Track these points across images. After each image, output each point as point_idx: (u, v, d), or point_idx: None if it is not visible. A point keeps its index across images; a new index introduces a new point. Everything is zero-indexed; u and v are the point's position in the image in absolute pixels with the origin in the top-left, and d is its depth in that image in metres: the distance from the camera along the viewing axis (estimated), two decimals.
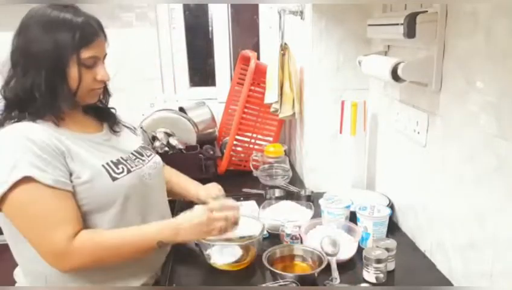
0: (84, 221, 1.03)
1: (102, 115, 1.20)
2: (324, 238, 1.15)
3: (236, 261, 1.17)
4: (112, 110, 1.24)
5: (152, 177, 1.18)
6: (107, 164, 1.06)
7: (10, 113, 1.03)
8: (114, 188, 1.05)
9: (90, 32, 1.03)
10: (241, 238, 1.21)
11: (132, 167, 1.12)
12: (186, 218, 1.10)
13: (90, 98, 1.10)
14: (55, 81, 1.01)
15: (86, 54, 1.02)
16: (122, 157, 1.12)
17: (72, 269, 1.01)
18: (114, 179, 1.05)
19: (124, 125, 1.28)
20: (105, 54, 1.09)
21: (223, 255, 1.17)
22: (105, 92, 1.19)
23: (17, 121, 1.01)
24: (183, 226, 1.08)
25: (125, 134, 1.24)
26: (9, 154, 0.95)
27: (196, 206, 1.14)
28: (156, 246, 1.05)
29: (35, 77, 1.00)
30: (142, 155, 1.20)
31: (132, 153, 1.17)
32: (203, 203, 1.24)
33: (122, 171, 1.08)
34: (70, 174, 1.00)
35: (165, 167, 1.38)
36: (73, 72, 1.02)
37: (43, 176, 0.95)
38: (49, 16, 1.01)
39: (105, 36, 1.08)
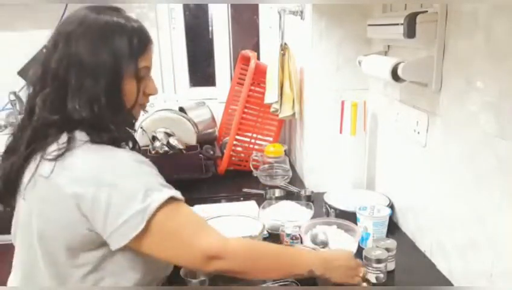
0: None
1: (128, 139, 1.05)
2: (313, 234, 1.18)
3: None
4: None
5: None
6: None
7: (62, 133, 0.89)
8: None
9: (146, 39, 0.94)
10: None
11: None
12: (333, 256, 1.05)
13: (137, 114, 1.01)
14: (114, 96, 0.90)
15: (142, 63, 0.93)
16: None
17: (221, 269, 0.93)
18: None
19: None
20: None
21: None
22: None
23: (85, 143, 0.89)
24: (332, 264, 1.01)
25: None
26: (131, 180, 0.86)
27: (338, 249, 1.14)
28: (306, 274, 0.98)
29: (94, 91, 0.88)
30: None
31: None
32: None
33: None
34: None
35: None
36: (129, 85, 0.92)
37: (172, 192, 0.89)
38: (100, 26, 0.90)
39: (152, 42, 0.98)
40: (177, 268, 1.08)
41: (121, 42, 0.90)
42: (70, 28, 0.90)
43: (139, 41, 0.92)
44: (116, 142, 0.93)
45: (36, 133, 0.91)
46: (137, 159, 0.90)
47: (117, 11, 0.95)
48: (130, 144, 1.00)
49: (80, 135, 0.89)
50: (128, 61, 0.90)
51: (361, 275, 1.04)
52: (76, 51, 0.88)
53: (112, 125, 0.92)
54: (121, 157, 0.89)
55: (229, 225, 1.26)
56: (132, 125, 1.05)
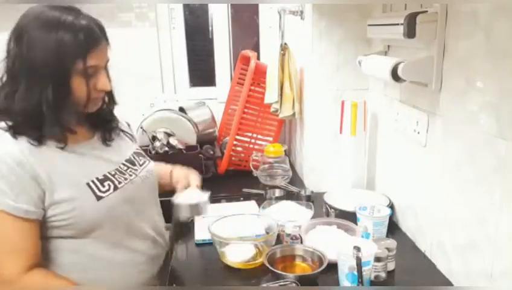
0: (69, 247, 0.98)
1: (96, 122, 1.10)
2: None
3: (249, 260, 1.17)
4: (113, 119, 1.15)
5: (144, 187, 1.12)
6: (92, 181, 0.99)
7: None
8: (99, 208, 0.98)
9: (93, 40, 0.95)
10: (256, 236, 1.23)
11: (120, 183, 1.05)
12: None
13: (90, 107, 1.02)
14: (60, 93, 0.93)
15: (89, 62, 0.94)
16: (109, 172, 1.04)
17: None
18: (99, 198, 0.99)
19: (123, 132, 1.19)
20: (108, 60, 1.02)
21: (238, 253, 1.18)
22: (111, 101, 1.11)
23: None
24: None
25: (119, 141, 1.15)
26: None
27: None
28: None
29: (39, 88, 0.92)
30: (134, 164, 1.13)
31: (123, 163, 1.10)
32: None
33: (108, 189, 1.01)
34: (47, 197, 0.94)
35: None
36: (77, 83, 0.94)
37: (5, 201, 0.89)
38: (48, 26, 0.92)
39: (107, 40, 1.00)
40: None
41: (65, 39, 0.91)
42: (22, 24, 0.94)
43: (86, 39, 0.93)
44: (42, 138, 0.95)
45: None
46: (2, 158, 0.90)
47: (73, 10, 0.96)
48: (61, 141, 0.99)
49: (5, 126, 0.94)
50: (74, 59, 0.92)
51: None
52: (26, 47, 0.91)
53: (56, 119, 0.94)
54: None
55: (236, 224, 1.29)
56: (80, 118, 1.06)
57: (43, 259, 0.97)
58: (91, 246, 1.01)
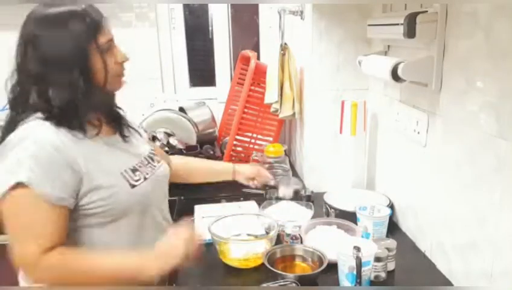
0: (100, 233, 1.01)
1: (114, 117, 1.14)
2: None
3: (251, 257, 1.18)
4: (121, 112, 1.19)
5: (162, 181, 1.17)
6: (125, 171, 1.04)
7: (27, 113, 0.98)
8: (133, 195, 1.03)
9: (96, 16, 1.00)
10: (260, 235, 1.24)
11: (147, 174, 1.10)
12: (166, 248, 1.01)
13: (117, 85, 1.07)
14: (85, 77, 0.98)
15: (101, 39, 0.99)
16: (137, 164, 1.09)
17: (41, 282, 0.98)
18: (133, 186, 1.04)
19: (130, 126, 1.21)
20: (113, 36, 1.06)
21: (242, 251, 1.18)
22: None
23: (34, 120, 0.97)
24: (170, 256, 0.99)
25: (132, 138, 1.18)
26: (13, 156, 0.92)
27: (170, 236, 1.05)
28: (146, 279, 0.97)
29: (72, 80, 0.96)
30: (153, 160, 1.18)
31: (145, 158, 1.15)
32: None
33: (139, 179, 1.06)
34: (84, 183, 0.97)
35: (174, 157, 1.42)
36: (96, 62, 0.99)
37: (39, 187, 0.91)
38: (55, 19, 0.97)
39: (104, 16, 1.04)
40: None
41: (76, 28, 0.96)
42: (29, 30, 0.98)
43: (91, 20, 0.98)
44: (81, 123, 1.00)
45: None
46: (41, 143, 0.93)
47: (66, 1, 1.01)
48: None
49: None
50: (88, 42, 0.97)
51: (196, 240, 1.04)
52: (43, 50, 0.96)
53: (88, 108, 0.99)
54: (28, 131, 0.95)
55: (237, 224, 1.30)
56: (112, 102, 1.12)
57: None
58: (114, 234, 1.04)
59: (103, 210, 1.00)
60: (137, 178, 1.06)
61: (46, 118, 0.97)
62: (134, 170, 1.07)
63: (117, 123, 1.14)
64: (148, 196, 1.08)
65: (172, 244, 1.01)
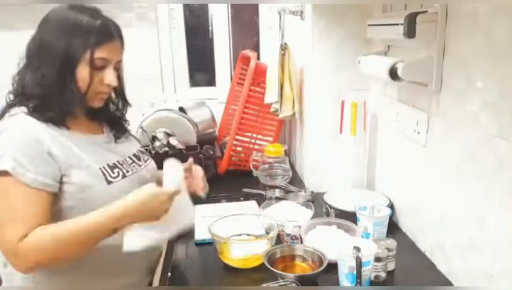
0: None
1: (107, 120, 1.19)
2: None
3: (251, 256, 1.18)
4: (124, 121, 1.23)
5: (146, 181, 1.13)
6: (104, 167, 1.06)
7: (14, 106, 1.03)
8: (108, 191, 1.03)
9: (105, 34, 1.03)
10: (260, 235, 1.24)
11: (128, 172, 1.11)
12: (140, 201, 0.99)
13: (95, 101, 1.09)
14: (65, 78, 1.01)
15: (97, 54, 1.01)
16: (118, 161, 1.11)
17: (30, 269, 0.97)
18: (109, 182, 1.05)
19: (132, 136, 1.27)
20: (120, 60, 1.09)
21: (242, 251, 1.18)
22: (124, 103, 1.20)
23: (17, 114, 1.00)
24: (143, 209, 0.98)
25: (126, 142, 1.22)
26: None
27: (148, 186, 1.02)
28: (111, 233, 0.98)
29: (47, 71, 1.00)
30: (139, 159, 1.19)
31: (129, 157, 1.16)
32: None
33: (118, 176, 1.07)
34: (63, 176, 0.99)
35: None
36: (83, 71, 1.01)
37: (24, 174, 0.94)
38: (66, 16, 1.02)
39: (122, 42, 1.08)
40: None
41: (76, 36, 1.00)
42: (44, 18, 1.04)
43: (96, 35, 1.01)
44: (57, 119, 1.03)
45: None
46: (16, 129, 0.97)
47: (92, 10, 1.06)
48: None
49: (24, 109, 1.01)
50: (83, 51, 1.00)
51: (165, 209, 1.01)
52: (40, 35, 1.02)
53: (59, 104, 1.02)
54: (11, 122, 1.00)
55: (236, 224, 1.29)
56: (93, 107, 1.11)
57: None
58: None
59: (79, 204, 1.00)
60: (115, 175, 1.07)
61: (30, 112, 1.01)
62: (113, 167, 1.08)
63: (109, 126, 1.18)
64: (126, 193, 1.02)
65: (157, 200, 0.99)
